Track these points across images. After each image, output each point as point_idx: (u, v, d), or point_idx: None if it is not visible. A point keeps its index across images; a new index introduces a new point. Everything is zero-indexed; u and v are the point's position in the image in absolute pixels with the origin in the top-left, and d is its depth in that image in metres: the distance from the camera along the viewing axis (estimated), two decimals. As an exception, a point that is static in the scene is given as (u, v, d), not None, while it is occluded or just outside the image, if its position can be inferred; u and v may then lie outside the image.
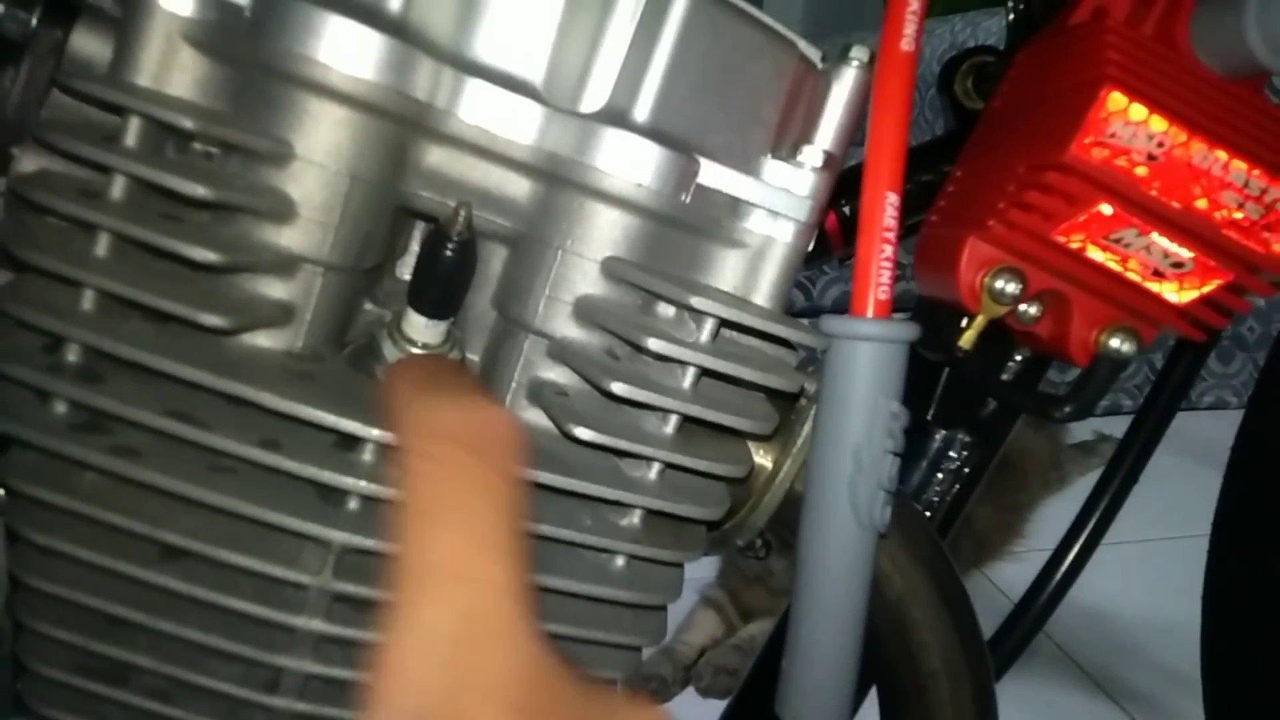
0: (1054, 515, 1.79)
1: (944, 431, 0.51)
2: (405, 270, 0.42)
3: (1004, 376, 0.48)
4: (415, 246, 0.42)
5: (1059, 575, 0.59)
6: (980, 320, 0.42)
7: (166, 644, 0.35)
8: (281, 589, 0.34)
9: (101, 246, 0.32)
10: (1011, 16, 0.52)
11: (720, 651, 1.34)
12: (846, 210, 0.62)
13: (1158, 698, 1.44)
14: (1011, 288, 0.41)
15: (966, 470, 0.52)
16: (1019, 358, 0.49)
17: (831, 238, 0.63)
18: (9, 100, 0.35)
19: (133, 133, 0.32)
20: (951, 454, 0.51)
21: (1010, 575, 1.61)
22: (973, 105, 0.60)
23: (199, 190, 0.31)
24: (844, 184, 0.59)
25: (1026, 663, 0.76)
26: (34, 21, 0.35)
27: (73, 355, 0.33)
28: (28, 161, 0.34)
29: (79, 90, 0.32)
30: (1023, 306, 0.44)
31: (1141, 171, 0.36)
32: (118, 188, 0.32)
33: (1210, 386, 2.29)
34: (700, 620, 1.37)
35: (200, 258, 0.31)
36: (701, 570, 1.45)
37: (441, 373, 0.32)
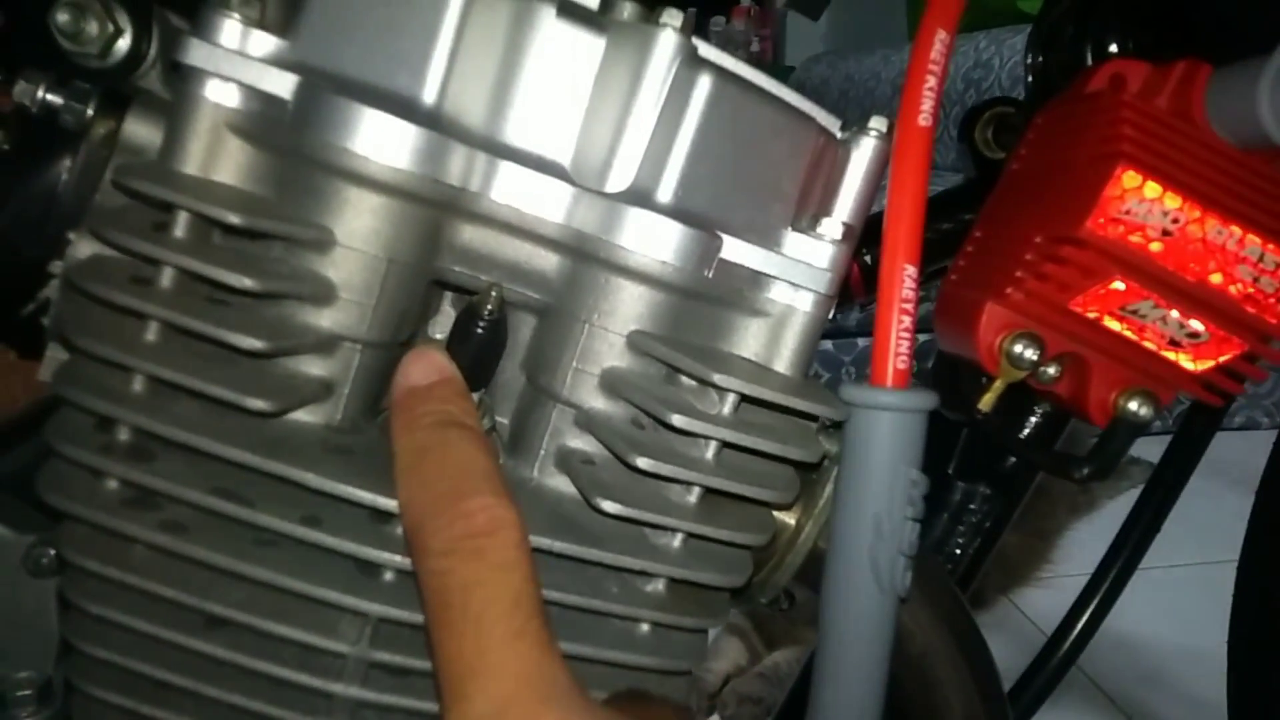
0: (1082, 540, 1.77)
1: (965, 485, 0.52)
2: (437, 329, 0.43)
3: (1024, 433, 0.49)
4: (447, 307, 0.43)
5: (1091, 609, 0.59)
6: (999, 384, 0.42)
7: (211, 708, 0.36)
8: (321, 657, 0.35)
9: (151, 333, 0.34)
10: (1029, 77, 0.53)
11: (745, 680, 1.34)
12: (868, 259, 0.62)
13: (1184, 725, 1.43)
14: (1030, 353, 0.42)
15: (988, 523, 0.52)
16: (1039, 412, 0.50)
17: (854, 286, 0.64)
18: (66, 187, 0.37)
19: (180, 225, 0.33)
20: (973, 507, 0.52)
21: (1038, 602, 1.60)
22: (993, 155, 0.61)
23: (245, 283, 0.32)
24: (866, 232, 0.60)
25: (1056, 693, 0.76)
26: (90, 112, 0.37)
27: (124, 435, 0.34)
28: (83, 248, 0.36)
29: (129, 187, 0.33)
30: (1042, 368, 0.44)
31: (1156, 247, 0.37)
32: (166, 278, 0.33)
33: (1241, 406, 2.26)
34: (724, 647, 1.37)
35: (247, 346, 0.33)
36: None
37: (447, 429, 0.34)
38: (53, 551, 0.42)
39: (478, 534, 0.30)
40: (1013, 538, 1.63)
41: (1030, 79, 0.52)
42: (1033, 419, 0.48)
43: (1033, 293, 0.41)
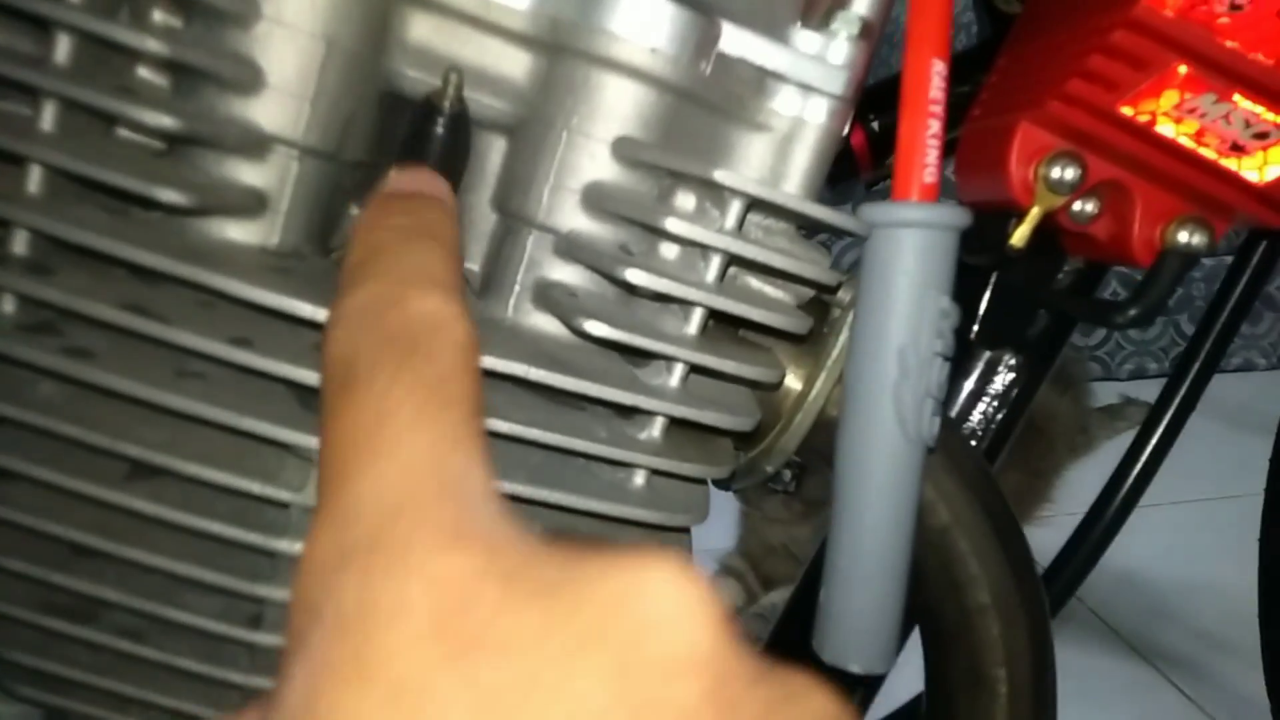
0: (1081, 480, 1.74)
1: (989, 352, 0.47)
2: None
3: (1057, 283, 0.44)
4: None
5: (1091, 540, 0.54)
6: (1035, 213, 0.38)
7: (137, 575, 0.31)
8: (261, 509, 0.30)
9: (47, 119, 0.28)
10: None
11: (742, 620, 1.30)
12: (875, 126, 0.57)
13: (1192, 659, 1.40)
14: (1070, 174, 0.37)
15: (1015, 393, 0.48)
16: (1068, 269, 0.45)
17: (859, 157, 0.59)
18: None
19: (77, -13, 0.28)
20: (998, 376, 0.47)
21: (1039, 540, 1.56)
22: (1010, 9, 0.56)
23: (151, 45, 0.27)
24: (872, 97, 0.55)
25: (1059, 626, 0.72)
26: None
27: (20, 246, 0.29)
28: (-36, 33, 0.30)
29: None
30: (1078, 205, 0.39)
31: (1224, 22, 0.32)
32: (63, 49, 0.28)
33: (1238, 348, 2.24)
34: (721, 589, 1.33)
35: (156, 124, 0.27)
36: (721, 539, 1.41)
37: (411, 238, 0.27)
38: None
39: (414, 328, 0.24)
40: (1012, 475, 1.60)
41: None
42: (1066, 271, 0.43)
43: (1075, 98, 0.35)
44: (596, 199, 0.33)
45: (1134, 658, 1.38)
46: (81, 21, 0.27)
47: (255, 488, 0.30)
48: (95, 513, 0.31)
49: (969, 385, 0.48)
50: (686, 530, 0.35)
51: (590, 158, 0.33)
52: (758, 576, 1.34)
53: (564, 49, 0.32)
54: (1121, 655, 1.39)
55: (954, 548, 0.41)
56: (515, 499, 0.31)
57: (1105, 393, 2.02)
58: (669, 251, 0.34)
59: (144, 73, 0.30)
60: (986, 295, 0.47)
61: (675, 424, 0.33)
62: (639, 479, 0.33)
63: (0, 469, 0.30)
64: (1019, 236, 0.38)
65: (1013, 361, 0.47)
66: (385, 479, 0.19)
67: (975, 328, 0.48)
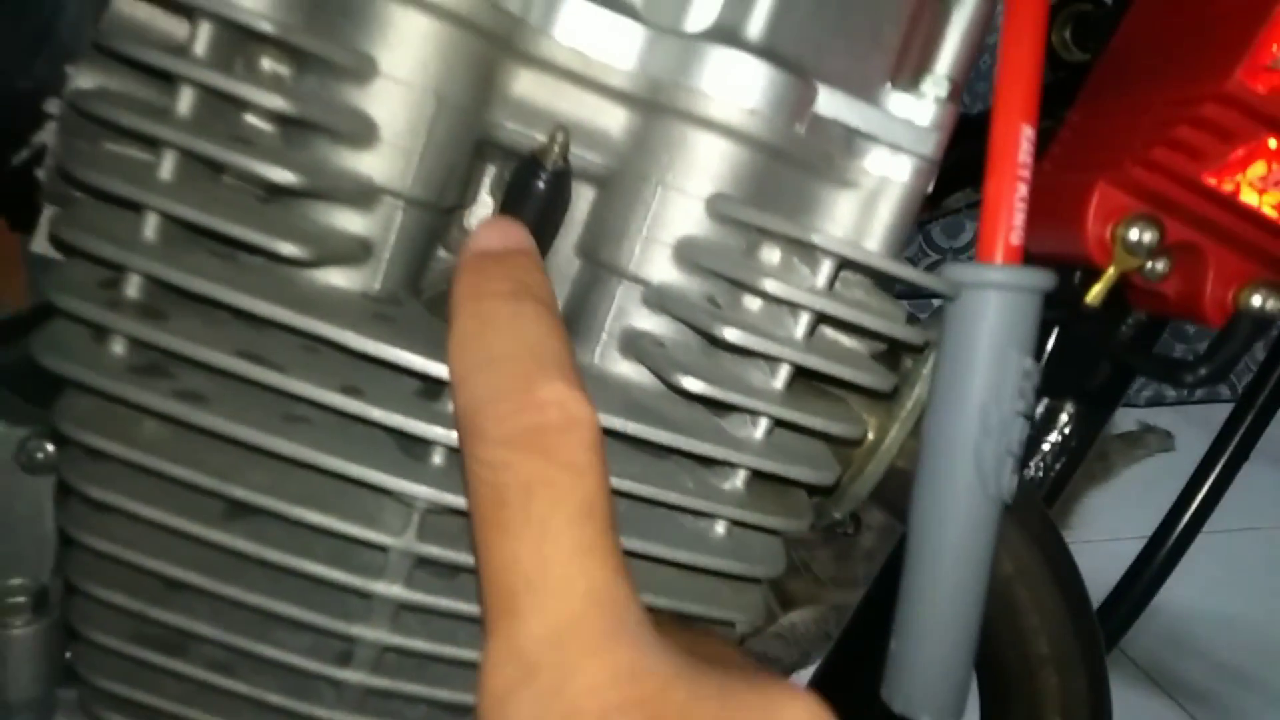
0: (1101, 506, 1.74)
1: (1050, 400, 0.48)
2: (475, 220, 0.39)
3: (1121, 335, 0.44)
4: (484, 195, 0.38)
5: (1143, 582, 0.55)
6: (1111, 273, 0.38)
7: (230, 611, 0.32)
8: (359, 551, 0.31)
9: (166, 168, 0.29)
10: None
11: (761, 641, 1.30)
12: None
13: (1209, 691, 1.40)
14: (1148, 237, 0.37)
15: (1074, 442, 0.48)
16: (1133, 320, 0.46)
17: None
18: (65, 14, 0.32)
19: (203, 39, 0.29)
20: (1058, 424, 0.47)
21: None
22: (1071, 57, 0.56)
23: (276, 102, 0.28)
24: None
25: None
26: (91, -73, 0.32)
27: (133, 289, 0.29)
28: (85, 78, 0.31)
29: (143, -7, 0.29)
30: (1152, 261, 0.40)
31: (1315, 100, 0.32)
32: (185, 101, 0.29)
33: (1259, 379, 2.23)
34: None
35: (277, 178, 0.28)
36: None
37: (519, 305, 0.28)
38: (50, 446, 0.37)
39: (548, 429, 0.25)
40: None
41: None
42: (1127, 326, 0.44)
43: (1158, 165, 0.36)
44: (688, 253, 0.33)
45: (1155, 690, 1.38)
46: (206, 77, 0.28)
47: (356, 531, 0.30)
48: (192, 548, 0.31)
49: (1029, 433, 0.48)
50: (761, 581, 0.35)
51: (684, 213, 0.33)
52: (777, 596, 1.34)
53: (662, 107, 0.33)
54: (1142, 688, 1.38)
55: (1017, 598, 0.42)
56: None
57: (1123, 419, 2.02)
58: (753, 304, 0.34)
59: (254, 120, 0.31)
60: (1050, 344, 0.47)
61: (756, 476, 0.34)
62: (720, 529, 0.34)
63: (103, 503, 0.31)
64: (1094, 295, 0.38)
65: (1072, 410, 0.48)
66: (558, 618, 0.21)
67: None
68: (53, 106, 0.32)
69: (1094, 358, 0.48)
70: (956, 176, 0.51)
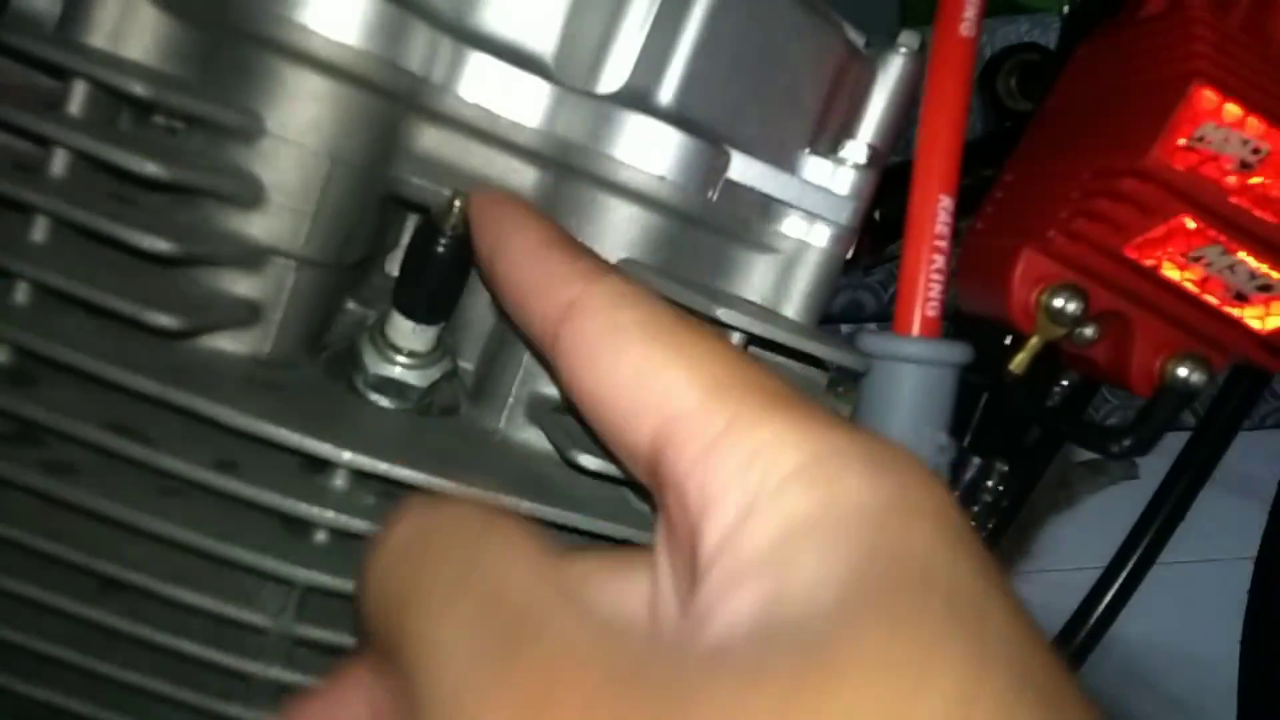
0: (1064, 535, 1.74)
1: (980, 460, 0.47)
2: (395, 266, 0.38)
3: (1050, 402, 0.44)
4: (405, 240, 0.37)
5: (1093, 619, 0.54)
6: (1035, 343, 0.37)
7: (104, 688, 0.30)
8: (237, 631, 0.30)
9: (39, 231, 0.28)
10: (1066, 9, 0.47)
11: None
12: (876, 215, 0.57)
13: (1164, 727, 1.40)
14: (1072, 307, 0.37)
15: (1004, 502, 0.47)
16: (1065, 383, 0.45)
17: (858, 242, 0.58)
18: (-58, 59, 0.31)
19: (78, 99, 0.27)
20: (989, 484, 0.47)
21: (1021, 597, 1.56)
22: (1017, 106, 0.56)
23: (150, 169, 0.26)
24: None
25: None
26: (-26, -30, 0.31)
27: (2, 356, 0.28)
28: (-42, 130, 0.29)
29: (16, 47, 0.27)
30: (1079, 328, 0.39)
31: (1232, 180, 0.32)
32: (59, 163, 0.27)
33: (1222, 407, 2.25)
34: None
35: (151, 247, 0.27)
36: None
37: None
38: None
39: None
40: (995, 531, 1.61)
41: (1065, 11, 0.47)
42: (1060, 388, 0.43)
43: (1080, 235, 0.35)
44: (596, 320, 0.32)
45: (1106, 723, 1.38)
46: (79, 142, 0.26)
47: (233, 612, 0.29)
48: (64, 624, 0.30)
49: (959, 493, 0.48)
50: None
51: (592, 278, 0.32)
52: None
53: (572, 169, 0.32)
54: None
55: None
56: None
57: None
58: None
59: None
60: (981, 405, 0.47)
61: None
62: (625, 606, 0.33)
63: (-31, 576, 0.29)
64: (1018, 364, 0.37)
65: (1004, 470, 0.47)
66: None
67: (968, 436, 0.48)
68: (-73, 156, 0.30)
69: (1025, 417, 0.47)
70: (899, 224, 0.50)
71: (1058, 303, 0.37)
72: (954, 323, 0.48)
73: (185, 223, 0.29)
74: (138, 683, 0.30)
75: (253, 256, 0.30)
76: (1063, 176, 0.37)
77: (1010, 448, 0.47)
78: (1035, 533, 1.79)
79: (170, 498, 0.29)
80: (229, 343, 0.30)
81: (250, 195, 0.29)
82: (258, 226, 0.29)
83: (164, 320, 0.27)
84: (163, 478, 0.29)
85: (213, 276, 0.30)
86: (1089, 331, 0.39)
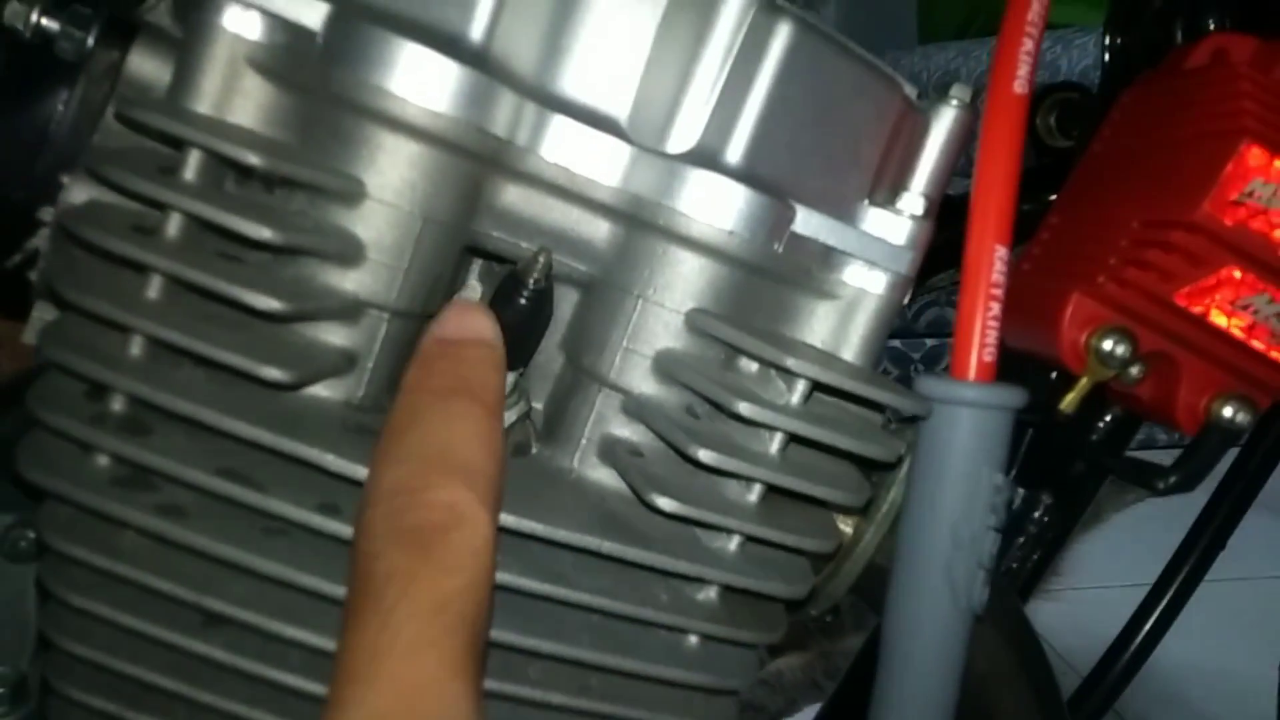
0: (1091, 553, 1.74)
1: (1026, 492, 0.48)
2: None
3: (1094, 437, 0.45)
4: (473, 280, 0.39)
5: (1136, 643, 0.55)
6: (1084, 383, 0.39)
7: (206, 716, 0.32)
8: (332, 663, 0.31)
9: (153, 289, 0.29)
10: (1107, 56, 0.49)
11: (748, 688, 1.30)
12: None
13: (1200, 750, 1.40)
14: (1121, 350, 0.38)
15: (1049, 535, 0.49)
16: (1109, 417, 0.46)
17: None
18: (61, 124, 0.33)
19: (191, 166, 0.29)
20: (1035, 516, 0.48)
21: (1048, 616, 1.56)
22: (1056, 143, 0.57)
23: (264, 233, 0.28)
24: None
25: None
26: (90, 41, 0.33)
27: (118, 405, 0.30)
28: (78, 191, 0.31)
29: (135, 119, 0.29)
30: (1128, 368, 0.41)
31: (1279, 234, 0.33)
32: (173, 225, 0.29)
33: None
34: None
35: (261, 306, 0.28)
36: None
37: (449, 403, 0.29)
38: (33, 534, 0.38)
39: (429, 527, 0.25)
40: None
41: (1107, 59, 0.49)
42: (1104, 422, 0.45)
43: (1130, 282, 0.37)
44: (667, 366, 0.34)
45: (1143, 747, 1.38)
46: (193, 207, 0.28)
47: (330, 645, 0.30)
48: (169, 655, 0.32)
49: (1005, 524, 0.49)
50: (736, 692, 0.36)
51: (664, 326, 0.34)
52: (766, 642, 1.34)
53: (644, 224, 0.33)
54: (1131, 744, 1.38)
55: (991, 699, 0.42)
56: (577, 663, 0.32)
57: (1116, 463, 2.01)
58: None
59: (243, 234, 0.31)
60: (1027, 439, 0.48)
61: (730, 588, 0.34)
62: (694, 640, 0.34)
63: (82, 610, 0.31)
64: (1068, 404, 0.39)
65: (1049, 503, 0.48)
66: (371, 712, 0.21)
67: (1014, 469, 0.49)
68: (47, 214, 0.33)
69: (1070, 451, 0.49)
70: (942, 256, 0.51)
71: (1107, 345, 0.38)
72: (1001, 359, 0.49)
73: (290, 279, 0.31)
74: (238, 711, 0.32)
75: (350, 309, 0.31)
76: (1112, 223, 0.38)
77: (1055, 481, 0.48)
78: (1062, 552, 1.78)
79: (274, 538, 0.30)
80: (325, 390, 0.32)
81: (350, 253, 0.31)
82: (354, 282, 0.31)
83: (274, 374, 0.29)
84: (267, 520, 0.30)
85: (313, 329, 0.31)
86: (1135, 371, 0.41)
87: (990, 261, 0.34)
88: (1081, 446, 0.45)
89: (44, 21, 0.33)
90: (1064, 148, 0.56)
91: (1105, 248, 0.38)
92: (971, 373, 0.34)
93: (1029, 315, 0.43)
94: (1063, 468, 0.49)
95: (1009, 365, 0.42)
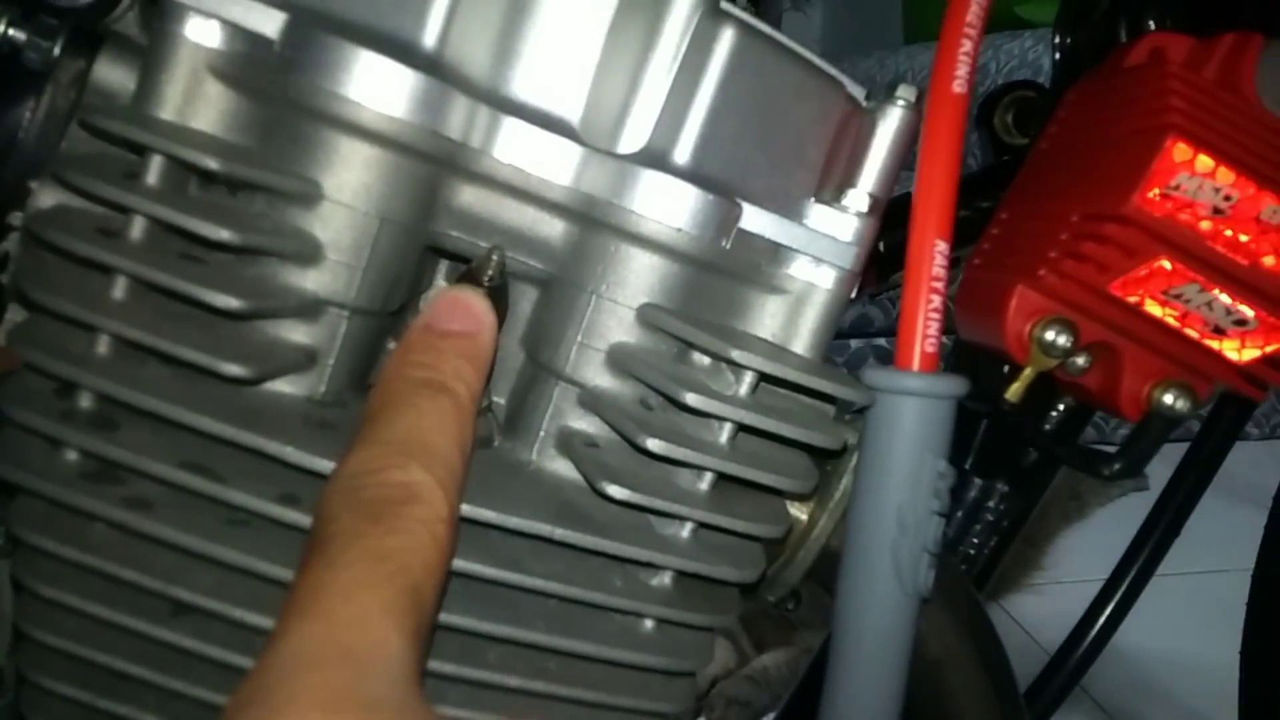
0: (1074, 546, 1.76)
1: (982, 481, 0.50)
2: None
3: (1046, 427, 0.46)
4: (440, 281, 0.40)
5: (1097, 628, 0.56)
6: (1028, 373, 0.40)
7: (177, 703, 0.33)
8: (297, 649, 0.32)
9: (118, 289, 0.31)
10: (1057, 55, 0.50)
11: (733, 683, 1.31)
12: (881, 246, 0.60)
13: (1177, 737, 1.41)
14: (1062, 340, 0.39)
15: (1005, 522, 0.50)
16: (1061, 407, 0.48)
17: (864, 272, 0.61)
18: (29, 131, 0.34)
19: (154, 171, 0.30)
20: (990, 504, 0.49)
21: (1031, 609, 1.58)
22: (1014, 141, 0.59)
23: (222, 234, 0.29)
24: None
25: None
26: (56, 50, 0.34)
27: (85, 401, 0.31)
28: (45, 196, 0.33)
29: (99, 127, 0.30)
30: (1071, 358, 0.42)
31: (1206, 226, 0.35)
32: (137, 228, 0.30)
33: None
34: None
35: (222, 304, 0.30)
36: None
37: (420, 394, 0.30)
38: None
39: (382, 500, 0.26)
40: (1005, 543, 1.62)
41: (1058, 58, 0.50)
42: (1057, 412, 0.46)
43: (1068, 274, 0.38)
44: (620, 359, 0.35)
45: (1120, 734, 1.40)
46: (155, 210, 0.29)
47: (293, 632, 0.32)
48: (140, 643, 0.33)
49: (962, 513, 0.51)
50: (692, 674, 0.37)
51: (617, 321, 0.35)
52: (750, 638, 1.35)
53: (597, 222, 0.34)
54: (1106, 730, 1.40)
55: (945, 682, 0.43)
56: (533, 647, 0.33)
57: (1100, 457, 2.03)
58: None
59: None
60: (981, 429, 0.49)
61: (685, 573, 0.35)
62: (649, 625, 0.35)
63: (53, 601, 0.32)
64: (1013, 393, 0.40)
65: (1004, 491, 0.50)
66: (304, 639, 0.23)
67: (970, 459, 0.50)
68: (16, 219, 0.34)
69: (1023, 441, 0.50)
70: (901, 254, 0.53)
71: (1049, 335, 0.39)
72: (954, 350, 0.50)
73: (250, 279, 0.32)
74: (207, 698, 0.33)
75: (309, 307, 0.33)
76: (1052, 218, 0.40)
77: (1010, 469, 0.49)
78: (1046, 546, 1.80)
79: (238, 529, 0.31)
80: (288, 385, 0.33)
81: (308, 253, 0.32)
82: (314, 281, 0.32)
83: (235, 370, 0.30)
84: (230, 511, 0.31)
85: (274, 326, 0.33)
86: (1080, 360, 0.42)
87: (931, 256, 0.35)
88: (1034, 436, 0.47)
89: (11, 32, 0.34)
90: (1022, 145, 0.58)
91: (1046, 241, 0.39)
92: (915, 363, 0.36)
93: (978, 309, 0.44)
94: (1017, 457, 0.50)
95: (963, 359, 0.43)
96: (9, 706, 0.39)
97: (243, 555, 0.31)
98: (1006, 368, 0.44)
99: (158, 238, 0.31)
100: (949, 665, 0.42)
